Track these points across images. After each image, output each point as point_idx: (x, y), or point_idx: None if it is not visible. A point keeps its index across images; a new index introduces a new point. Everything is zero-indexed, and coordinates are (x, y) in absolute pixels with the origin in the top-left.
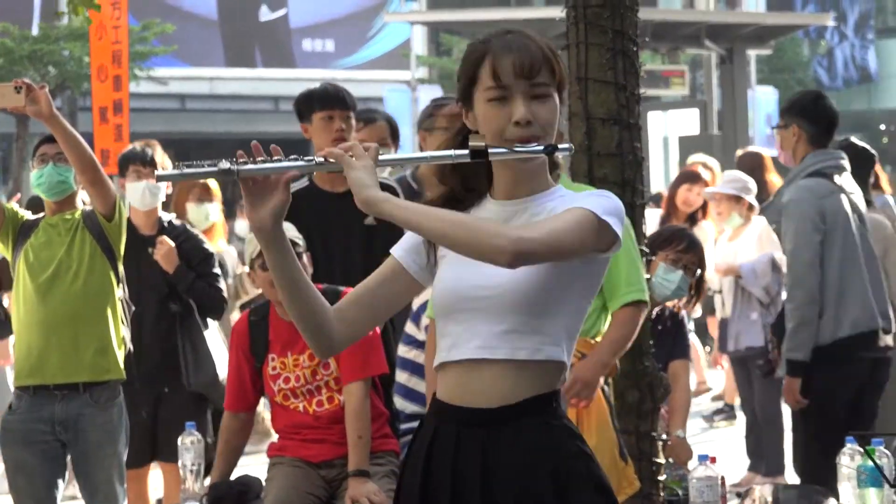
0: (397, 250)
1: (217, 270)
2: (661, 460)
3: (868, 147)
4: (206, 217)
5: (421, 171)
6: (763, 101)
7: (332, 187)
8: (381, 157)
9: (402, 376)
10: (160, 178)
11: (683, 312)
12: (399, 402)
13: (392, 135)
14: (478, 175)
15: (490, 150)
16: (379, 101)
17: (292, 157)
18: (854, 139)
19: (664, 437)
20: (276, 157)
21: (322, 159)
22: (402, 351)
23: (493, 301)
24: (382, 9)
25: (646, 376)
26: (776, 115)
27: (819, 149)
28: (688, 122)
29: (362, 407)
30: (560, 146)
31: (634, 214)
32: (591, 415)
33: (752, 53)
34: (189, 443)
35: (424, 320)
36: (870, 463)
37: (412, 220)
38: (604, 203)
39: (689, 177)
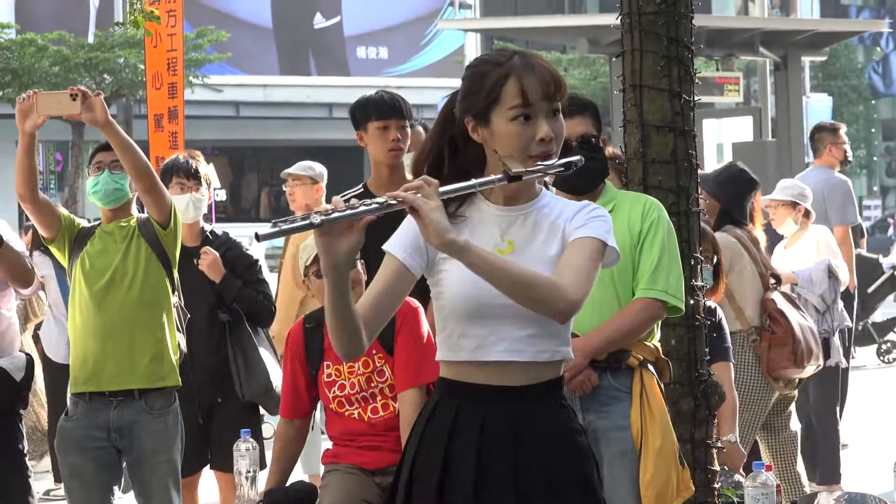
0: (398, 251)
1: (264, 277)
2: (717, 468)
3: (749, 172)
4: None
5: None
6: (817, 108)
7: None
8: (441, 189)
9: None
10: (261, 238)
11: (720, 313)
12: None
13: None
14: (477, 175)
15: (524, 172)
16: (432, 108)
17: (365, 202)
18: (741, 164)
19: (719, 444)
20: (353, 204)
21: (394, 201)
22: None
23: (517, 308)
24: (436, 16)
25: (700, 384)
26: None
27: None
28: (742, 129)
29: (417, 414)
30: (575, 158)
31: (689, 222)
32: (654, 418)
33: (807, 60)
34: (244, 449)
35: None
36: None
37: (487, 272)
38: (605, 226)
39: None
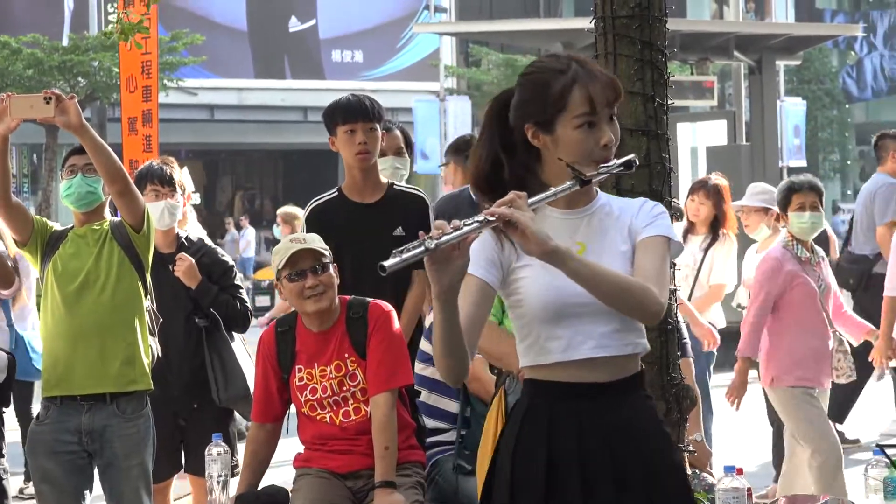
0: (478, 270)
1: (239, 282)
2: (689, 471)
3: None
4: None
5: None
6: (792, 112)
7: (361, 198)
8: (528, 200)
9: (421, 393)
10: (387, 270)
11: (678, 313)
12: (422, 418)
13: (406, 144)
14: (525, 185)
15: (594, 175)
16: (408, 111)
17: (466, 222)
18: None
19: (690, 448)
20: (457, 225)
21: (493, 217)
22: (419, 368)
23: (599, 305)
24: (411, 20)
25: (672, 387)
26: (804, 125)
27: None
28: (716, 132)
29: (389, 418)
30: (631, 156)
31: None
32: None
33: (781, 64)
34: (216, 453)
35: None
36: None
37: (588, 278)
38: (667, 220)
39: (692, 188)
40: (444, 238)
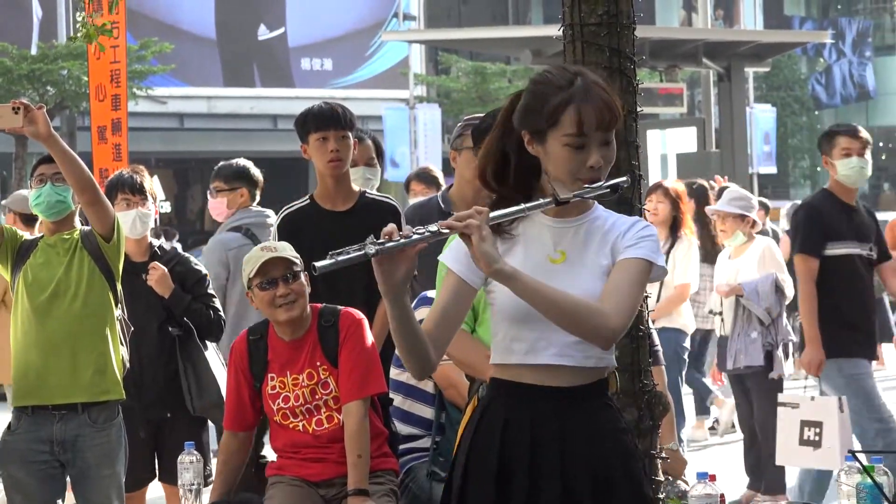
0: (455, 266)
1: (212, 291)
2: (661, 478)
3: None
4: None
5: (452, 192)
6: (761, 119)
7: (333, 206)
8: (490, 215)
9: (396, 399)
10: (318, 271)
11: (649, 319)
12: (396, 424)
13: (377, 153)
14: (529, 184)
15: (573, 195)
16: (378, 119)
17: (418, 229)
18: None
19: (663, 455)
20: (406, 233)
21: (446, 230)
22: (394, 374)
23: None
24: (380, 28)
25: (644, 394)
26: (773, 132)
27: None
28: (686, 140)
29: (361, 426)
30: (620, 180)
31: None
32: None
33: (750, 71)
34: (188, 462)
35: None
36: (869, 481)
37: (532, 299)
38: (653, 245)
39: (648, 189)
40: (389, 245)
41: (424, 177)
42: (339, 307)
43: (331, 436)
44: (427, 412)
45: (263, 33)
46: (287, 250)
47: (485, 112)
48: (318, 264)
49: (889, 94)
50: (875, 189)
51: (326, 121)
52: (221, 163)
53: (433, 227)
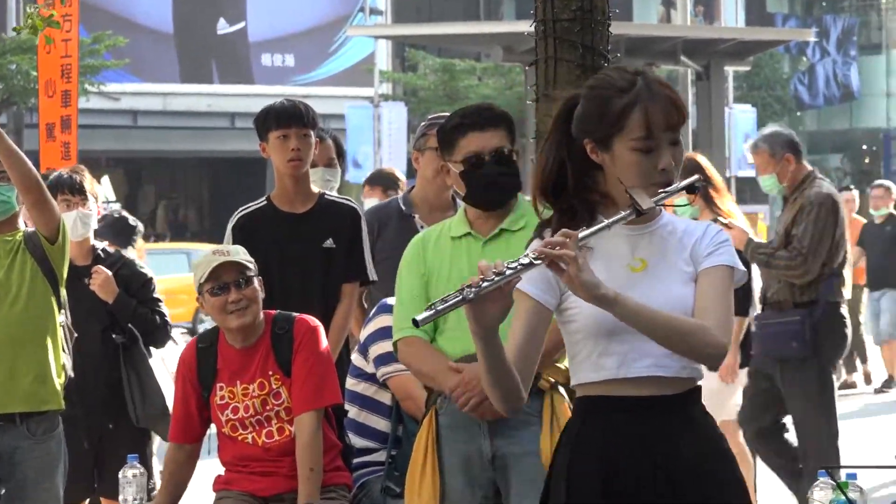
0: (531, 289)
1: (158, 295)
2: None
3: None
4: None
5: (414, 193)
6: (741, 120)
7: (291, 207)
8: (579, 235)
9: (351, 410)
10: (420, 323)
11: None
12: (350, 437)
13: (338, 153)
14: (589, 194)
15: (655, 202)
16: (340, 118)
17: (510, 263)
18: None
19: None
20: (501, 270)
21: (539, 260)
22: (350, 384)
23: None
24: (345, 22)
25: None
26: (754, 133)
27: None
28: None
29: (314, 438)
30: (694, 178)
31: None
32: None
33: (730, 70)
34: (131, 476)
35: (373, 352)
36: (842, 497)
37: (638, 323)
38: (731, 248)
39: None
40: (485, 285)
41: (377, 180)
42: (294, 314)
43: (281, 449)
44: (383, 424)
45: (223, 27)
46: (240, 254)
47: (452, 111)
48: (418, 317)
49: (874, 94)
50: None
51: (288, 118)
52: None
53: (525, 260)
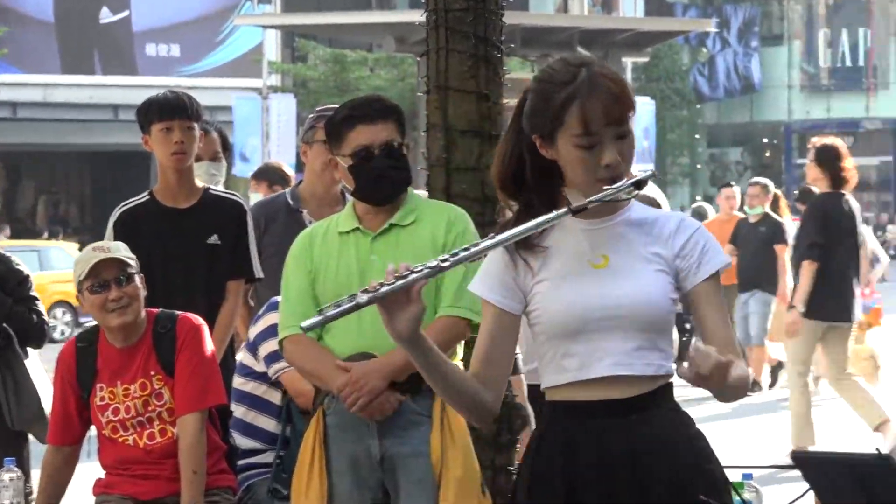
0: (495, 298)
1: (36, 294)
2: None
3: None
4: None
5: (302, 188)
6: (640, 113)
7: (174, 202)
8: (486, 243)
9: (239, 409)
10: (307, 329)
11: None
12: (236, 438)
13: (223, 147)
14: (552, 188)
15: (589, 202)
16: (227, 109)
17: (415, 269)
18: None
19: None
20: (402, 273)
21: (446, 263)
22: (238, 383)
23: (621, 320)
24: (233, 12)
25: (503, 406)
26: (653, 127)
27: None
28: None
29: (198, 440)
30: (645, 175)
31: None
32: (455, 444)
33: (628, 61)
34: (7, 480)
35: (263, 350)
36: (737, 498)
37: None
38: (716, 245)
39: None
40: (382, 291)
41: (262, 174)
42: (177, 312)
43: (164, 451)
44: (272, 425)
45: (106, 16)
46: (121, 251)
47: (342, 103)
48: (304, 324)
49: (775, 86)
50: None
51: (171, 110)
52: None
53: (432, 263)
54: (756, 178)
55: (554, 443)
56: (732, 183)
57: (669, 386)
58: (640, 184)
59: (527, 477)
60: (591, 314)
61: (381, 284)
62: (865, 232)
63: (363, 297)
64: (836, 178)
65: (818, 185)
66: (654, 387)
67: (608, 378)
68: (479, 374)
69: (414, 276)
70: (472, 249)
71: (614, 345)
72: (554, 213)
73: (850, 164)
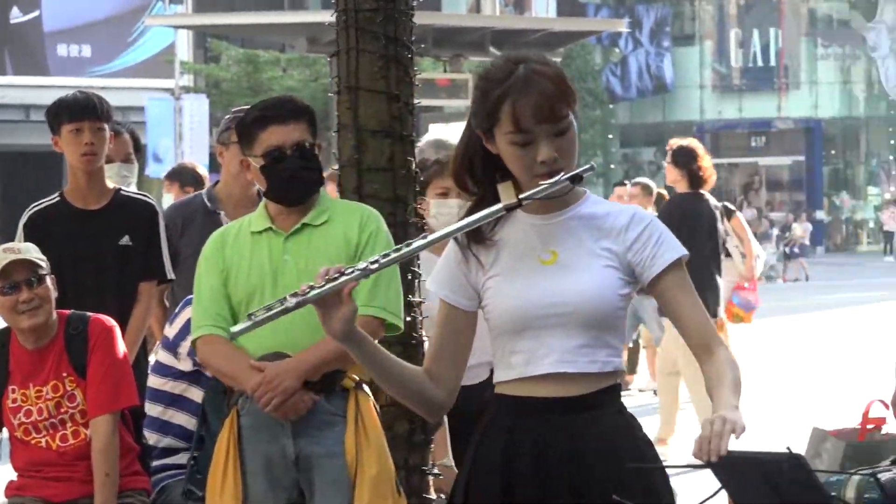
0: (446, 294)
1: None
2: (433, 496)
3: None
4: None
5: (219, 189)
6: None
7: (85, 204)
8: (418, 243)
9: (155, 409)
10: (235, 335)
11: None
12: (152, 437)
13: (135, 148)
14: (503, 175)
15: (522, 199)
16: (140, 110)
17: (346, 270)
18: None
19: (435, 471)
20: (332, 276)
21: (375, 265)
22: (157, 383)
23: (566, 317)
24: (144, 12)
25: None
26: None
27: None
28: None
29: (110, 442)
30: (582, 169)
31: (407, 233)
32: (370, 444)
33: None
34: None
35: (184, 348)
36: None
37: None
38: (669, 235)
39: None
40: (311, 294)
41: (174, 175)
42: (89, 314)
43: (77, 453)
44: (191, 422)
45: (16, 16)
46: (31, 252)
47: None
48: (234, 329)
49: (687, 86)
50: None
51: (81, 111)
52: None
53: (361, 265)
54: (638, 179)
55: (495, 439)
56: (626, 182)
57: (617, 387)
58: (576, 178)
59: (465, 473)
60: (535, 311)
61: (311, 287)
62: (728, 228)
63: (292, 301)
64: (694, 179)
65: (677, 185)
66: (602, 385)
67: (553, 375)
68: (429, 370)
69: (343, 278)
70: (404, 250)
71: (559, 342)
72: (487, 211)
73: (707, 163)
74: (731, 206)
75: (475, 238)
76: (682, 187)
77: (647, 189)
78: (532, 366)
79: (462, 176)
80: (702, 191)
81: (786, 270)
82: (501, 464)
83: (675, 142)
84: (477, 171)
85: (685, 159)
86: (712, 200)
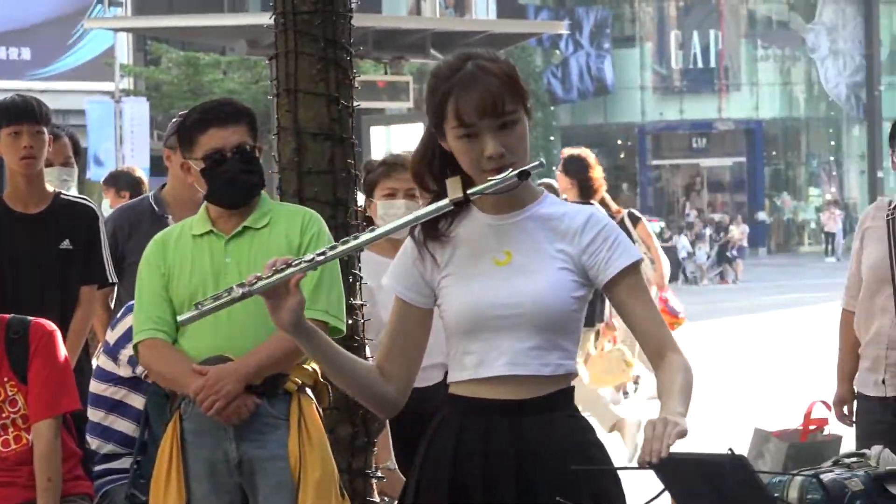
0: (400, 290)
1: None
2: (377, 499)
3: None
4: None
5: (166, 192)
6: None
7: (24, 208)
8: (365, 237)
9: (97, 415)
10: (184, 323)
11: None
12: (95, 442)
13: (75, 151)
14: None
15: (469, 194)
16: (80, 113)
17: (294, 262)
18: None
19: (378, 474)
20: (279, 267)
21: (322, 257)
22: (99, 388)
23: (518, 319)
24: (84, 14)
25: (360, 409)
26: None
27: None
28: (413, 136)
29: (52, 447)
30: (530, 166)
31: (348, 236)
32: (313, 447)
33: None
34: None
35: (124, 355)
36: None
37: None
38: (624, 237)
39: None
40: (258, 285)
41: (109, 181)
42: (29, 318)
43: (18, 458)
44: (132, 429)
45: None
46: None
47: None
48: (182, 318)
49: (628, 88)
50: (615, 190)
51: (19, 114)
52: None
53: (308, 257)
54: (543, 179)
55: (446, 438)
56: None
57: (570, 390)
58: (524, 174)
59: (416, 472)
60: (487, 312)
61: (258, 278)
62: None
63: (238, 291)
64: (585, 188)
65: (568, 194)
66: (554, 388)
67: (504, 377)
68: (381, 367)
69: (290, 269)
70: (352, 243)
71: (510, 344)
72: (434, 206)
73: (598, 173)
74: (638, 213)
75: (431, 235)
76: (572, 196)
77: (550, 189)
78: (484, 367)
79: (422, 174)
80: (592, 201)
81: (725, 273)
82: (451, 463)
83: (567, 151)
84: (435, 170)
85: (576, 168)
86: (602, 211)
